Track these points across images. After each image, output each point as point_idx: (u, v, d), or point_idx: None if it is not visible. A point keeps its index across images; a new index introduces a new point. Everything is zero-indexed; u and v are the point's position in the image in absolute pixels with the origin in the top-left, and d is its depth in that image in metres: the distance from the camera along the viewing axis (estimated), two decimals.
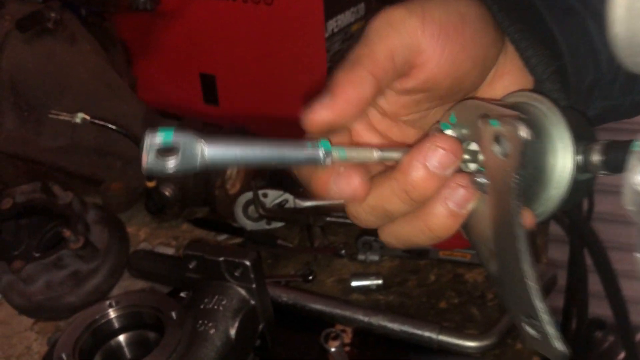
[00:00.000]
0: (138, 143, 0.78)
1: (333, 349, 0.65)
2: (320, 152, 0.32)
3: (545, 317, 0.35)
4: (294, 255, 0.83)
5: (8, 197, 0.79)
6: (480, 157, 0.37)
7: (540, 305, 0.35)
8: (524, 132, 0.33)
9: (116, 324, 0.62)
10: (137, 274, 0.79)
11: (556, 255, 1.52)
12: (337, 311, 0.70)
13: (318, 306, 0.71)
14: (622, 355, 1.72)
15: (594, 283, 1.29)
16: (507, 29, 0.38)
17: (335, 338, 0.66)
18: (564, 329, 1.56)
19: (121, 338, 0.63)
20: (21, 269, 0.73)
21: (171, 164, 0.28)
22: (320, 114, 0.34)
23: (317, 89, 1.00)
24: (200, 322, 0.59)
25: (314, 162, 0.32)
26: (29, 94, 0.87)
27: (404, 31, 0.35)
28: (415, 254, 0.79)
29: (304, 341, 0.69)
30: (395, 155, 0.36)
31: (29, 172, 0.89)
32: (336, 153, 0.33)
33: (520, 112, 0.35)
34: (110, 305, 0.63)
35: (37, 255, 0.75)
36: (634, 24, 0.31)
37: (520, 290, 0.36)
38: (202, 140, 0.29)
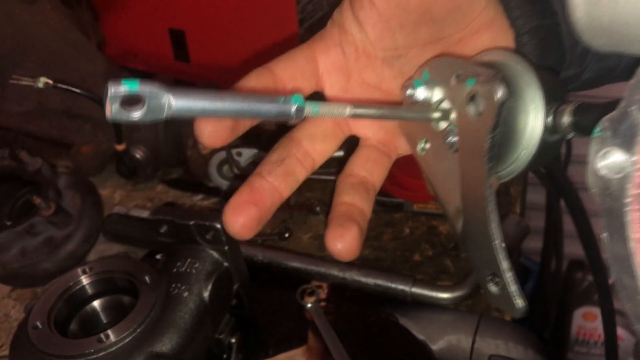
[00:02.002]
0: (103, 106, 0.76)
1: (309, 305, 0.66)
2: (293, 108, 0.31)
3: (508, 276, 0.35)
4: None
5: None
6: (453, 115, 0.36)
7: (504, 265, 0.35)
8: (501, 93, 0.32)
9: (90, 290, 0.62)
10: (112, 238, 0.79)
11: (536, 199, 1.54)
12: (312, 268, 0.70)
13: (293, 263, 0.71)
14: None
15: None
16: None
17: (311, 294, 0.67)
18: (542, 269, 1.59)
19: (96, 304, 0.63)
20: None
21: (136, 114, 0.27)
22: None
23: (288, 41, 0.98)
24: (173, 285, 0.59)
25: (286, 117, 0.31)
26: None
27: None
28: (390, 207, 0.79)
29: (281, 298, 0.69)
30: (367, 112, 0.35)
31: None
32: (309, 108, 0.32)
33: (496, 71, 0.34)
34: (84, 272, 0.62)
35: (8, 223, 0.74)
36: (592, 9, 0.30)
37: (485, 249, 0.36)
38: (169, 91, 0.28)
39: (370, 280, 0.67)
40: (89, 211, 0.77)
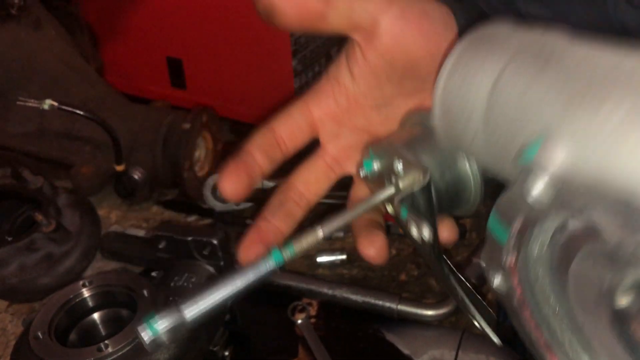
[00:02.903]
0: (105, 128, 0.80)
1: (300, 321, 0.69)
2: (273, 264, 0.37)
3: (478, 320, 0.39)
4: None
5: None
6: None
7: (472, 311, 0.39)
8: (417, 185, 0.37)
9: (90, 303, 0.65)
10: (110, 255, 0.81)
11: None
12: (303, 285, 0.73)
13: (285, 281, 0.74)
14: None
15: None
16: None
17: (301, 311, 0.70)
18: None
19: (95, 316, 0.65)
20: None
21: (166, 337, 0.36)
22: None
23: (281, 71, 1.04)
24: (171, 298, 0.62)
25: (274, 270, 0.37)
26: None
27: (370, 6, 0.39)
28: None
29: (272, 315, 0.72)
30: (337, 224, 0.39)
31: None
32: (286, 254, 0.37)
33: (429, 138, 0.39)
34: (84, 285, 0.65)
35: (9, 239, 0.76)
36: (447, 118, 0.36)
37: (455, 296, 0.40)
38: (181, 309, 0.36)
39: (358, 298, 0.70)
40: (87, 229, 0.80)
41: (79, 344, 0.63)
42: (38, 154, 0.88)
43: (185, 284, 0.63)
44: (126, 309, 0.65)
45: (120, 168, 0.82)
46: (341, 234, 0.84)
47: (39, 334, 0.60)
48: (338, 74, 0.43)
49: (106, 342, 0.58)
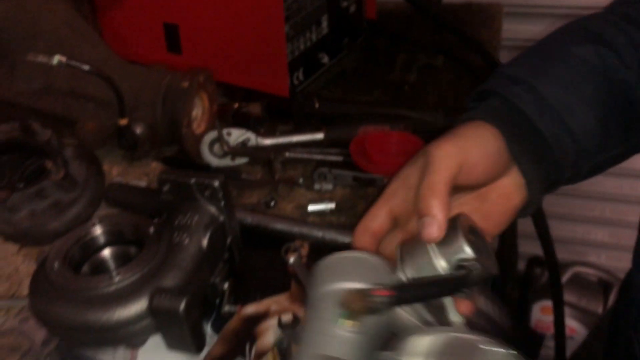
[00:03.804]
0: (110, 83, 0.85)
1: (292, 260, 0.75)
2: None
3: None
4: (257, 187, 0.92)
5: None
6: None
7: None
8: None
9: (101, 240, 0.71)
10: (114, 204, 0.86)
11: None
12: (296, 229, 0.79)
13: (278, 225, 0.80)
14: None
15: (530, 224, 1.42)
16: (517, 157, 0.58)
17: (294, 251, 0.76)
18: (500, 267, 1.71)
19: (106, 252, 0.71)
20: (7, 199, 0.80)
21: None
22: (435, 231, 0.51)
23: (274, 36, 1.10)
24: (175, 234, 0.68)
25: None
26: (2, 40, 0.92)
27: (453, 163, 0.54)
28: (364, 182, 0.89)
29: (267, 256, 0.78)
30: None
31: (5, 115, 0.94)
32: None
33: None
34: (95, 224, 0.71)
35: (20, 186, 0.82)
36: None
37: None
38: None
39: (346, 239, 0.77)
40: (93, 179, 0.85)
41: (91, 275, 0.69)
42: (43, 110, 0.93)
43: (188, 222, 0.69)
44: (134, 245, 0.71)
45: (123, 122, 0.87)
46: (330, 187, 0.90)
47: (55, 264, 0.66)
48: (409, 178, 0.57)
49: (117, 270, 0.64)
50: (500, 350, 0.39)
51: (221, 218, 0.70)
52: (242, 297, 0.72)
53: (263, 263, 0.78)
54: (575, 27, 0.65)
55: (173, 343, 0.64)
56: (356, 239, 0.59)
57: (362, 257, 0.53)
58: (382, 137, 0.89)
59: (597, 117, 0.59)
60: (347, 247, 0.77)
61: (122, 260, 0.70)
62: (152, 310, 0.61)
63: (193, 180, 0.69)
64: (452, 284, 0.48)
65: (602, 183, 1.83)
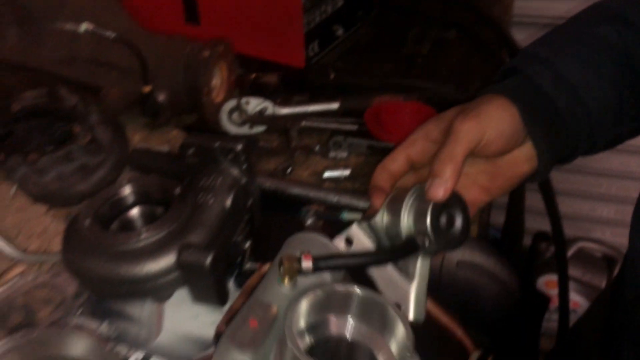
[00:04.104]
0: (134, 50, 0.88)
1: (309, 222, 0.79)
2: None
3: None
4: (274, 155, 0.95)
5: (18, 101, 0.89)
6: None
7: None
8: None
9: (129, 200, 0.74)
10: (137, 168, 0.90)
11: None
12: (312, 193, 0.83)
13: (296, 190, 0.83)
14: None
15: (539, 201, 1.45)
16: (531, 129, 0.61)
17: (311, 214, 0.79)
18: (503, 240, 1.74)
19: (134, 211, 0.75)
20: (36, 161, 0.84)
21: None
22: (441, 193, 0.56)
23: (291, 8, 1.13)
24: (200, 195, 0.71)
25: None
26: (30, 9, 0.95)
27: (473, 138, 0.58)
28: (379, 151, 0.92)
29: (285, 219, 0.82)
30: None
31: (32, 82, 0.97)
32: None
33: None
34: (124, 185, 0.74)
35: (49, 149, 0.85)
36: None
37: None
38: None
39: (360, 203, 0.80)
40: (117, 143, 0.89)
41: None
42: (69, 78, 0.96)
43: (212, 184, 0.72)
44: (160, 206, 0.74)
45: (147, 89, 0.91)
46: (345, 155, 0.93)
47: (86, 221, 0.69)
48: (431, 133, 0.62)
49: (146, 227, 0.67)
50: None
51: (243, 180, 0.74)
52: (261, 255, 0.76)
53: (281, 225, 0.81)
54: (598, 8, 0.68)
55: (198, 296, 0.68)
56: (375, 176, 0.64)
57: (313, 236, 0.62)
58: (396, 106, 0.92)
59: (613, 93, 0.62)
60: (363, 211, 0.81)
61: (149, 219, 0.74)
62: (180, 264, 0.65)
63: (217, 144, 0.72)
64: (375, 257, 0.57)
65: (608, 160, 1.85)
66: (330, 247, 0.62)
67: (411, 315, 0.60)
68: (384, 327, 0.46)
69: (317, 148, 0.93)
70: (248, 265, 0.74)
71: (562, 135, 0.62)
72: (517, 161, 0.64)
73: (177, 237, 0.67)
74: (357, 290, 0.47)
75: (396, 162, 0.64)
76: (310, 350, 0.46)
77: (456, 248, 0.62)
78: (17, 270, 0.78)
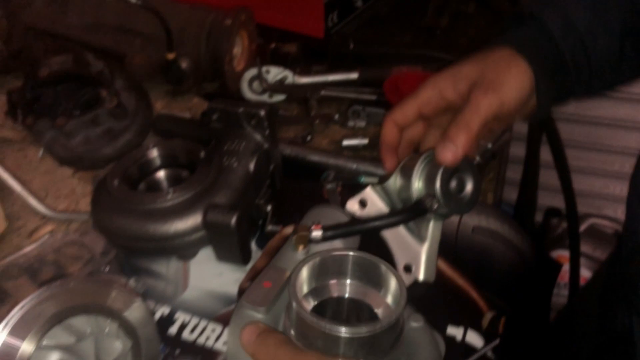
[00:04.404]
0: (159, 17, 0.89)
1: (328, 187, 0.81)
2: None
3: None
4: (294, 123, 0.97)
5: (45, 67, 0.91)
6: None
7: None
8: None
9: (156, 162, 0.77)
10: (161, 133, 0.92)
11: (517, 152, 1.68)
12: (332, 161, 0.85)
13: (316, 157, 0.86)
14: None
15: (552, 177, 1.46)
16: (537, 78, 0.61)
17: (330, 179, 0.81)
18: (518, 216, 1.75)
19: (160, 173, 0.77)
20: (64, 125, 0.86)
21: None
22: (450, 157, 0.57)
23: None
24: (225, 158, 0.74)
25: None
26: None
27: (492, 111, 0.59)
28: None
29: (305, 184, 0.84)
30: None
31: (57, 48, 1.00)
32: None
33: None
34: (150, 147, 0.77)
35: (76, 113, 0.88)
36: None
37: None
38: None
39: (379, 171, 0.82)
40: (142, 109, 0.91)
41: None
42: (94, 44, 0.98)
43: (236, 148, 0.75)
44: (186, 169, 0.77)
45: (171, 56, 0.92)
46: (363, 124, 0.95)
47: (115, 181, 0.72)
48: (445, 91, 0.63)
49: (174, 188, 0.70)
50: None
51: (265, 145, 0.76)
52: (283, 218, 0.78)
53: (301, 190, 0.84)
54: None
55: (223, 255, 0.71)
56: (384, 132, 0.65)
57: (328, 208, 0.65)
58: (415, 77, 0.93)
59: (616, 43, 0.63)
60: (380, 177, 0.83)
61: (175, 181, 0.77)
62: (206, 224, 0.67)
63: (241, 110, 0.74)
64: (380, 222, 0.59)
65: (623, 137, 1.85)
66: (345, 218, 0.65)
67: (421, 276, 0.63)
68: (380, 284, 0.49)
69: (336, 117, 0.95)
70: (270, 227, 0.76)
71: (563, 80, 0.64)
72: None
73: (203, 198, 0.70)
74: (351, 253, 0.49)
75: (406, 116, 0.64)
76: (313, 312, 0.49)
77: (466, 212, 0.63)
78: (47, 229, 0.81)
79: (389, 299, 0.48)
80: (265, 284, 0.52)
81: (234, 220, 0.66)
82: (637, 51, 0.64)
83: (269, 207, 0.77)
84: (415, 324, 0.49)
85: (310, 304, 0.49)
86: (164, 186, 0.77)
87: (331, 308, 0.51)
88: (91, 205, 0.73)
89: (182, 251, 0.72)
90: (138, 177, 0.75)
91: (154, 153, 0.76)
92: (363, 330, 0.42)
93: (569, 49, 0.62)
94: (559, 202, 1.55)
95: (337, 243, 0.61)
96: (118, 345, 0.57)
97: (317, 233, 0.56)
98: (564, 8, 0.62)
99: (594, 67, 0.63)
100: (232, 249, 0.69)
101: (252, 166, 0.73)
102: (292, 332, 0.46)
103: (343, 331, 0.42)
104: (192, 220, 0.68)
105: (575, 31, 0.62)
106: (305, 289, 0.49)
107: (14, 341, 0.52)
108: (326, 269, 0.50)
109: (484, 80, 0.61)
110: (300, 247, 0.57)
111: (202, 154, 0.74)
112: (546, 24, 0.62)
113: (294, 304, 0.45)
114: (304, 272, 0.48)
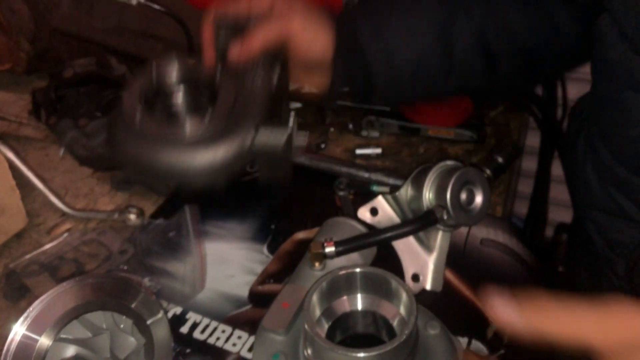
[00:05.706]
0: (180, 23, 0.92)
1: (341, 193, 0.82)
2: None
3: None
4: (309, 130, 0.99)
5: (69, 68, 0.94)
6: None
7: None
8: None
9: (172, 82, 0.72)
10: None
11: (530, 167, 1.69)
12: (345, 169, 0.86)
13: (330, 165, 0.87)
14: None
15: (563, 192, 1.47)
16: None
17: (343, 187, 0.83)
18: (527, 231, 1.75)
19: (178, 95, 0.72)
20: (86, 126, 0.89)
21: None
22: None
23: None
24: (245, 76, 0.69)
25: None
26: None
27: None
28: (409, 131, 0.95)
29: (317, 191, 0.85)
30: None
31: (81, 51, 1.02)
32: None
33: None
34: (165, 66, 0.72)
35: (98, 115, 0.90)
36: None
37: None
38: None
39: (390, 180, 0.84)
40: None
41: None
42: (116, 48, 1.01)
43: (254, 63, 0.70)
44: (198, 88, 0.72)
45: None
46: (377, 134, 0.97)
47: (137, 115, 0.64)
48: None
49: (206, 116, 0.64)
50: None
51: (281, 55, 0.72)
52: (294, 222, 0.80)
53: (313, 196, 0.85)
54: None
55: (270, 175, 0.73)
56: (204, 29, 0.76)
57: (343, 220, 0.67)
58: None
59: (419, 65, 0.70)
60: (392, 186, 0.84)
61: (194, 102, 0.72)
62: (255, 145, 0.64)
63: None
64: (391, 233, 0.61)
65: None
66: (360, 230, 0.66)
67: (428, 285, 0.64)
68: (391, 295, 0.50)
69: (350, 126, 0.96)
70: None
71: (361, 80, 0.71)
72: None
73: (239, 121, 0.65)
74: (358, 270, 0.51)
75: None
76: (331, 331, 0.50)
77: (475, 224, 0.65)
78: (65, 226, 0.84)
79: (402, 310, 0.49)
80: (284, 305, 0.54)
81: (284, 139, 0.64)
82: (440, 74, 0.72)
83: (292, 115, 0.72)
84: (432, 331, 0.50)
85: (324, 326, 0.51)
86: (180, 109, 0.72)
87: (346, 323, 0.52)
88: (107, 131, 0.69)
89: (208, 184, 0.65)
90: (154, 100, 0.69)
91: (172, 72, 0.72)
92: (377, 351, 0.43)
93: (375, 59, 0.69)
94: (569, 217, 1.55)
95: (355, 255, 0.62)
96: (132, 341, 0.59)
97: (330, 249, 0.58)
98: (382, 24, 0.70)
99: (393, 80, 0.71)
100: (280, 167, 0.71)
101: (275, 78, 0.71)
102: (310, 351, 0.47)
103: (360, 355, 0.43)
104: (237, 144, 0.64)
105: (386, 45, 0.69)
106: (317, 312, 0.50)
107: (32, 334, 0.54)
108: (337, 288, 0.51)
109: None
110: (317, 264, 0.59)
111: (218, 75, 0.71)
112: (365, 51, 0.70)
113: (309, 330, 0.46)
114: (315, 297, 0.50)
